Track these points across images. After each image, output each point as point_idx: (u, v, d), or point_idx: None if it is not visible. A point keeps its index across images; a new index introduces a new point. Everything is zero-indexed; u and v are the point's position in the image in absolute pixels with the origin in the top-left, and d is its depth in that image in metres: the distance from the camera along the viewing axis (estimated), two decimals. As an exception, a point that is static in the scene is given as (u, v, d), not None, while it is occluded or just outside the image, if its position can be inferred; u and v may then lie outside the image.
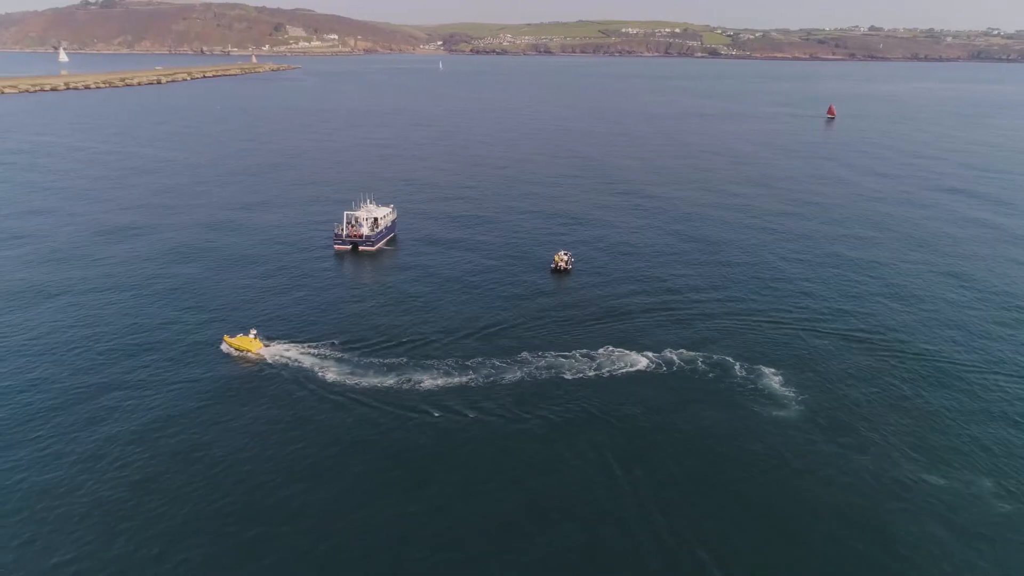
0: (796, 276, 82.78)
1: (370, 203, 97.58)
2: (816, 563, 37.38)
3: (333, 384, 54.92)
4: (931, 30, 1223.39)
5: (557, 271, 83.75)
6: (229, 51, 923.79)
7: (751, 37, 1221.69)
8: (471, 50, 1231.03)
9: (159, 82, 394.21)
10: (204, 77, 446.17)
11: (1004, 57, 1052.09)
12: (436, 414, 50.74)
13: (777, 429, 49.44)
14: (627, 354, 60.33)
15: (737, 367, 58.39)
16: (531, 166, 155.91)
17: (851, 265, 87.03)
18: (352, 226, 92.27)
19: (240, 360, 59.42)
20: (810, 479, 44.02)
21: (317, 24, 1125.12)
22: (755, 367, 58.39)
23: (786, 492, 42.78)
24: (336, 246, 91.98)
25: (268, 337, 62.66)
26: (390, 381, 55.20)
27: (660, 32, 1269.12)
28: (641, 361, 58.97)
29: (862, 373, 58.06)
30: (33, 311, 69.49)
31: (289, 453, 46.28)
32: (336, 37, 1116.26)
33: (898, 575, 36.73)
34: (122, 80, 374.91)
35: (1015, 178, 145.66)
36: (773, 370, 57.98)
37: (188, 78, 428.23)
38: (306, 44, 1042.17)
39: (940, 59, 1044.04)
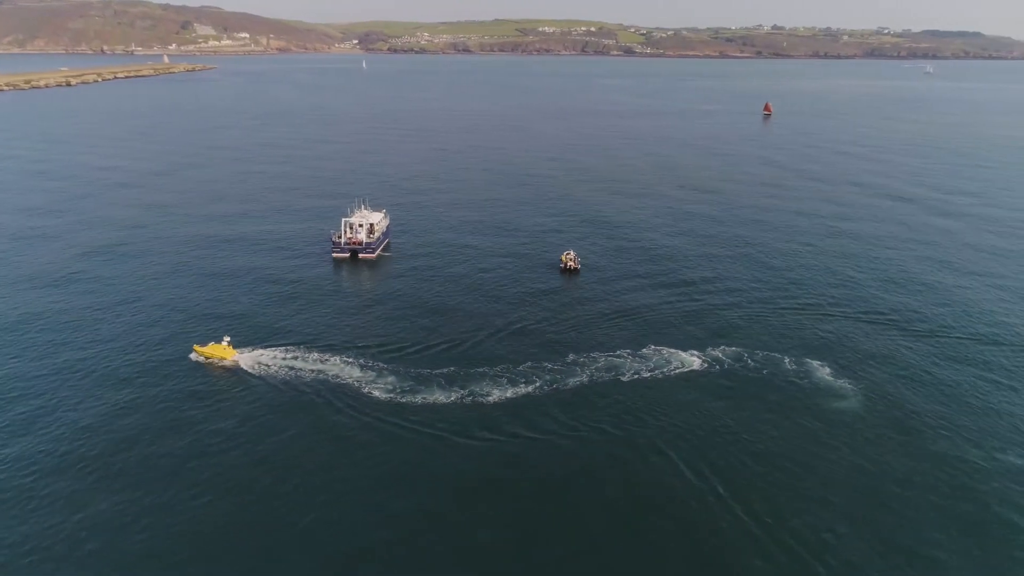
0: (821, 266, 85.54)
1: (364, 208, 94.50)
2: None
3: (382, 403, 52.74)
4: (828, 29, 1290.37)
5: (566, 271, 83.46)
6: (133, 50, 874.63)
7: (663, 36, 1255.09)
8: (388, 49, 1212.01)
9: (68, 84, 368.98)
10: (116, 78, 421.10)
11: (895, 55, 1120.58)
12: (493, 435, 49.37)
13: (845, 421, 50.83)
14: (676, 353, 60.65)
15: (786, 361, 59.59)
16: (509, 166, 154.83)
17: (873, 255, 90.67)
18: (350, 233, 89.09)
19: (214, 368, 57.35)
20: (885, 476, 45.42)
21: (227, 22, 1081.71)
22: (801, 359, 59.81)
23: (856, 484, 44.01)
24: (335, 254, 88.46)
25: (291, 355, 59.67)
26: (452, 397, 53.29)
27: (576, 31, 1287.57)
28: (692, 360, 59.25)
29: (902, 357, 60.50)
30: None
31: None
32: (247, 36, 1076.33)
33: None
34: (27, 82, 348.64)
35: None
36: (819, 362, 59.59)
37: (99, 79, 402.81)
38: (216, 43, 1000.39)
39: (839, 56, 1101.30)
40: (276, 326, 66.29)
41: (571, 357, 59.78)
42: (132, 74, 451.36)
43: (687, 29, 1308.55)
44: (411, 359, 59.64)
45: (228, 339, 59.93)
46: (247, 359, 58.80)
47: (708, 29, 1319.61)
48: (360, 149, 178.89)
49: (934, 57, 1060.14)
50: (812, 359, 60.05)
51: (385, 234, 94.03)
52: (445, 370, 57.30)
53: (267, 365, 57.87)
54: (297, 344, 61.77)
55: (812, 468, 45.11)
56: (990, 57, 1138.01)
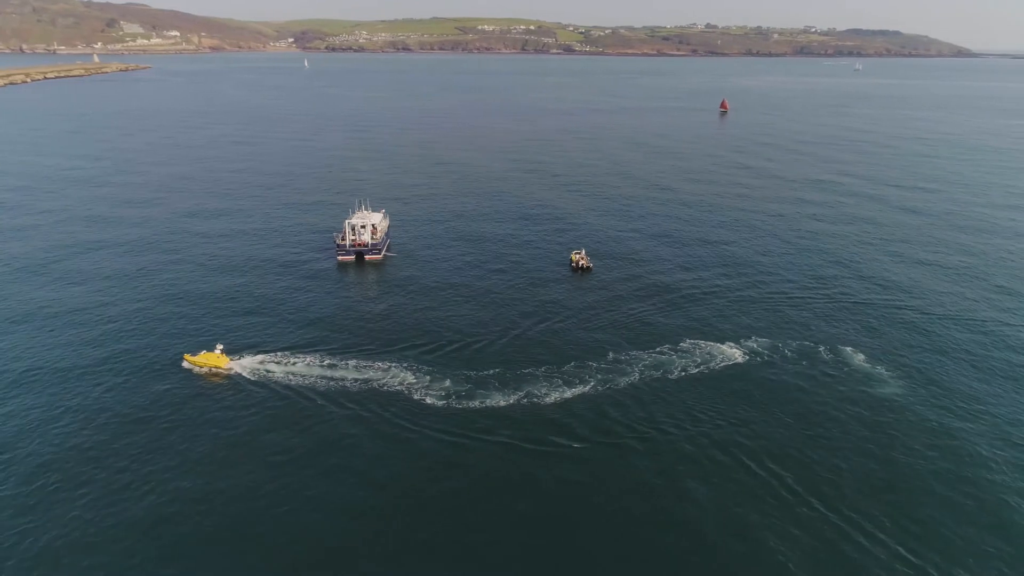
0: (845, 257, 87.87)
1: (365, 209, 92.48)
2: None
3: (438, 410, 51.82)
4: (759, 28, 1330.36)
5: (577, 269, 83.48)
6: (55, 49, 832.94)
7: (601, 34, 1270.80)
8: (327, 48, 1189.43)
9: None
10: (46, 79, 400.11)
11: (823, 52, 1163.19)
12: (564, 439, 49.27)
13: (894, 407, 52.50)
14: (714, 346, 61.55)
15: (820, 350, 61.20)
16: (487, 168, 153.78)
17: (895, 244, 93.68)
18: (353, 235, 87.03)
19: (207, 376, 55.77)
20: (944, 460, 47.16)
21: (155, 20, 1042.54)
22: (834, 347, 61.55)
23: (922, 469, 45.61)
24: (339, 257, 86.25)
25: (320, 363, 58.07)
26: (510, 399, 52.85)
27: (516, 29, 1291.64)
28: (733, 353, 60.26)
29: (934, 340, 62.88)
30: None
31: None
32: (178, 34, 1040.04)
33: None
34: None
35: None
36: (850, 348, 61.44)
37: (27, 79, 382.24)
38: (145, 42, 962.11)
39: (771, 54, 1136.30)
40: (296, 333, 64.28)
41: (611, 355, 59.89)
42: (63, 74, 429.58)
43: (624, 28, 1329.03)
44: (451, 361, 58.79)
45: (221, 347, 58.23)
46: (245, 365, 57.23)
47: (644, 28, 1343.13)
48: (347, 149, 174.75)
49: (859, 55, 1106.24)
50: (843, 346, 61.89)
51: (387, 235, 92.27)
52: (491, 371, 56.70)
53: (300, 375, 56.15)
54: (325, 352, 60.06)
55: (871, 454, 46.46)
56: (909, 55, 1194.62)
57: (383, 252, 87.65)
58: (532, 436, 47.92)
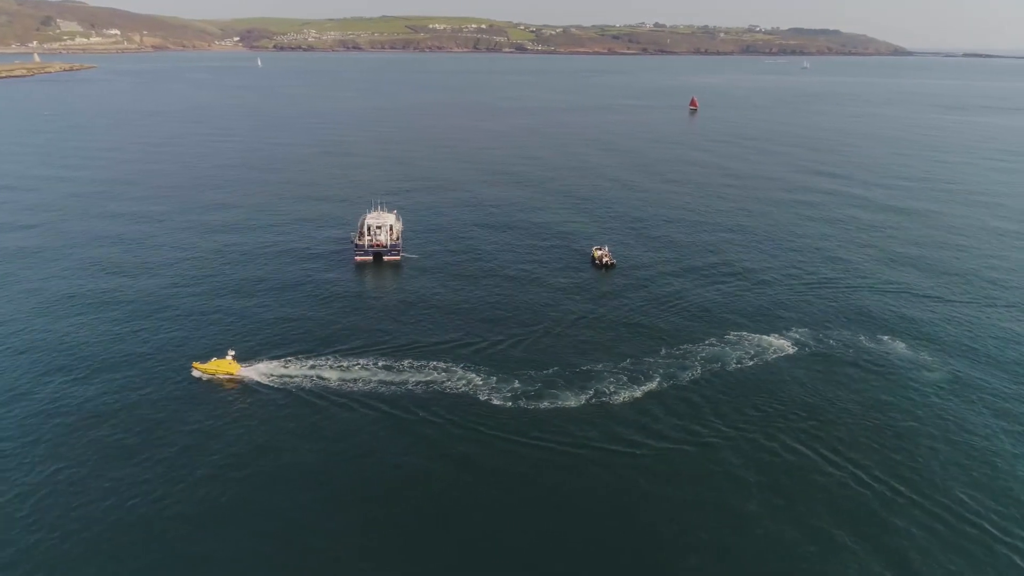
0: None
1: (379, 209, 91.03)
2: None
3: (508, 411, 51.41)
4: (706, 27, 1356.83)
5: (601, 266, 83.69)
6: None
7: (552, 33, 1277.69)
8: (275, 47, 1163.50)
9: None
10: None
11: (768, 51, 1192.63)
12: (653, 440, 49.45)
13: (950, 391, 54.26)
14: (761, 338, 62.59)
15: (861, 339, 62.81)
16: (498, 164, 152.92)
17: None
18: (369, 235, 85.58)
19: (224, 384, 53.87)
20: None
21: (94, 18, 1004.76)
22: (874, 336, 63.28)
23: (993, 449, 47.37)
24: (358, 258, 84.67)
25: (383, 366, 57.03)
26: (580, 400, 52.74)
27: (467, 28, 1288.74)
28: (782, 344, 61.33)
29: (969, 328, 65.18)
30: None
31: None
32: (118, 33, 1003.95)
33: None
34: None
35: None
36: (888, 336, 63.27)
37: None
38: (84, 40, 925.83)
39: (718, 53, 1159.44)
40: (323, 335, 62.92)
41: (664, 351, 60.30)
42: (4, 74, 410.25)
43: (575, 26, 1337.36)
44: (499, 359, 58.42)
45: (233, 353, 56.29)
46: (261, 371, 55.61)
47: (594, 26, 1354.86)
48: (347, 147, 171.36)
49: (802, 53, 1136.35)
50: (882, 335, 63.64)
51: (401, 235, 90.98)
52: (549, 370, 56.44)
53: (320, 377, 54.80)
54: (349, 353, 58.90)
55: (939, 438, 47.90)
56: (850, 53, 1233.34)
57: (401, 252, 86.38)
58: (617, 436, 47.90)
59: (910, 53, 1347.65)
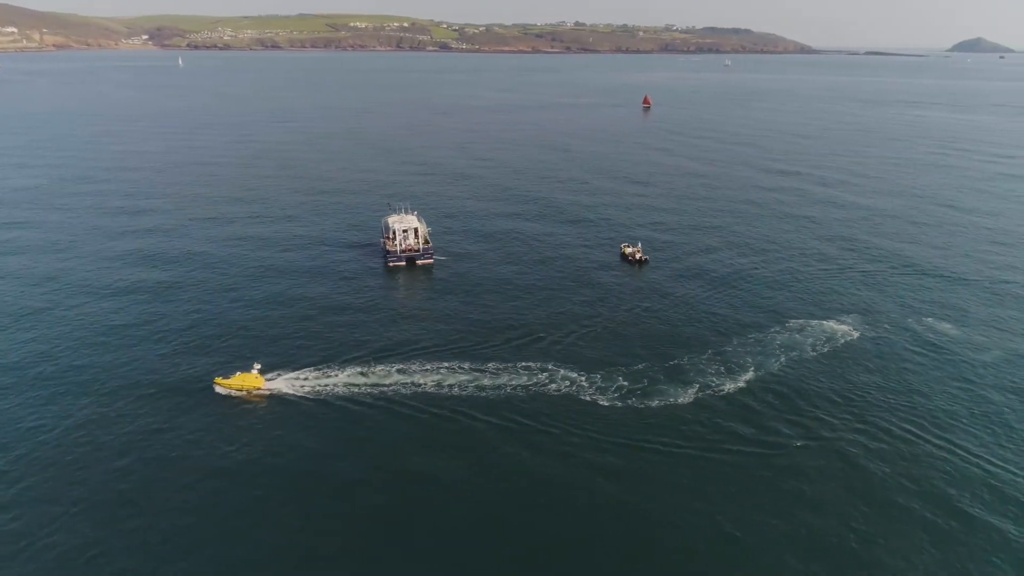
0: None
1: (405, 212, 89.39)
2: None
3: (617, 411, 51.96)
4: (625, 25, 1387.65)
5: (633, 262, 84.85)
6: None
7: (475, 31, 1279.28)
8: (188, 45, 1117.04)
9: None
10: None
11: (686, 49, 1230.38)
12: (771, 436, 50.95)
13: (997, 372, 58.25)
14: (821, 324, 65.57)
15: (910, 322, 66.40)
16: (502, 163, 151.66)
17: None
18: (399, 239, 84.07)
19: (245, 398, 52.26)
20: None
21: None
22: (920, 319, 66.99)
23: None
24: (391, 263, 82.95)
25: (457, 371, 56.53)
26: (689, 396, 53.74)
27: (390, 27, 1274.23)
28: (846, 330, 64.04)
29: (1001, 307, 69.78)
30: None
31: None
32: (16, 31, 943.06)
33: None
34: None
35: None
36: (932, 319, 67.11)
37: None
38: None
39: (639, 51, 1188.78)
40: (369, 341, 61.86)
41: (736, 340, 62.02)
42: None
43: (497, 25, 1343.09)
44: (576, 354, 58.75)
45: (259, 366, 54.10)
46: (292, 383, 54.15)
47: (516, 25, 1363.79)
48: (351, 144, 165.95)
49: (718, 51, 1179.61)
50: (926, 318, 67.42)
51: (429, 237, 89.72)
52: (640, 366, 57.14)
53: (355, 385, 54.24)
54: (409, 358, 58.30)
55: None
56: (761, 51, 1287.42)
57: (433, 255, 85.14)
58: (736, 434, 49.13)
59: (816, 51, 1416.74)
